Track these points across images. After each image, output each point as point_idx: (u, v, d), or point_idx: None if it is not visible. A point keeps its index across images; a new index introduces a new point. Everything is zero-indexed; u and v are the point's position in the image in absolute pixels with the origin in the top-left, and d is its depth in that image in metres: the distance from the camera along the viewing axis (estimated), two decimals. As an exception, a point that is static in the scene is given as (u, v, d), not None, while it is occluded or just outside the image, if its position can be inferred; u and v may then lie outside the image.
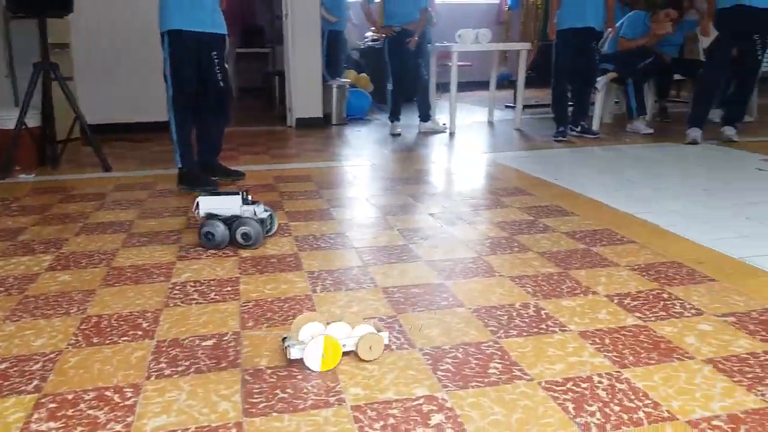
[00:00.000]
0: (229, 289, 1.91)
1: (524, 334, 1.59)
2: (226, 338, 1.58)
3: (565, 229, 2.51)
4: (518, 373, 1.39)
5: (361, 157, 4.27)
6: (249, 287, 1.92)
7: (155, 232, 2.53)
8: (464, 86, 9.48)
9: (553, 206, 2.87)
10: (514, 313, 1.72)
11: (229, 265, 2.13)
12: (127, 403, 1.30)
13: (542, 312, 1.72)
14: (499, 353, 1.49)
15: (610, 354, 1.48)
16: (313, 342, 1.41)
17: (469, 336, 1.58)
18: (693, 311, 1.73)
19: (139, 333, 1.62)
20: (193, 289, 1.92)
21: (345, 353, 1.46)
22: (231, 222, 2.27)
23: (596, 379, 1.37)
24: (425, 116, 5.49)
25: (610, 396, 1.30)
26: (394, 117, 5.37)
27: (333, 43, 6.32)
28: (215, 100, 3.32)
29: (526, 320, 1.67)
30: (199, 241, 2.28)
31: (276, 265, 2.12)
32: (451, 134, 5.31)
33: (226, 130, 3.54)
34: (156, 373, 1.41)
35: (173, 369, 1.43)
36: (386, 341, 1.51)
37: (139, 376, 1.40)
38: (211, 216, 2.29)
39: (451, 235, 2.45)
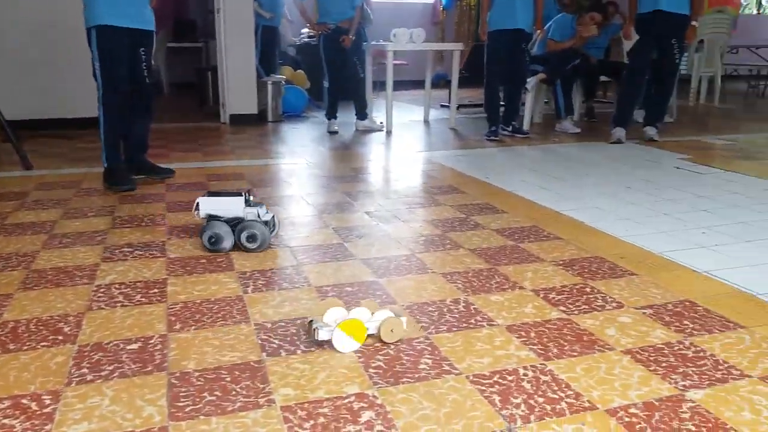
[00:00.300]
0: (156, 290, 1.86)
1: (454, 329, 1.63)
2: (152, 341, 1.54)
3: (495, 226, 2.57)
4: (447, 368, 1.42)
5: (296, 154, 4.23)
6: (177, 289, 1.87)
7: (79, 232, 2.43)
8: (401, 85, 9.57)
9: (485, 204, 2.94)
10: (445, 309, 1.75)
11: (157, 266, 2.07)
12: (45, 410, 1.24)
13: (472, 307, 1.76)
14: (430, 349, 1.51)
15: (535, 347, 1.53)
16: (335, 331, 1.49)
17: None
18: (614, 304, 1.81)
19: (60, 338, 1.55)
20: (119, 291, 1.86)
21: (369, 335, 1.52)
22: (234, 224, 2.19)
23: (522, 371, 1.42)
24: (362, 114, 5.50)
25: (534, 388, 1.35)
26: (331, 115, 5.35)
27: (267, 39, 6.24)
28: (140, 97, 3.22)
29: (456, 316, 1.71)
30: (203, 244, 2.19)
31: (206, 265, 2.07)
32: (388, 132, 5.34)
33: (156, 127, 3.44)
34: (77, 379, 1.36)
35: (96, 374, 1.38)
36: (404, 326, 1.55)
37: (59, 383, 1.34)
38: (212, 218, 2.19)
39: (386, 233, 2.47)
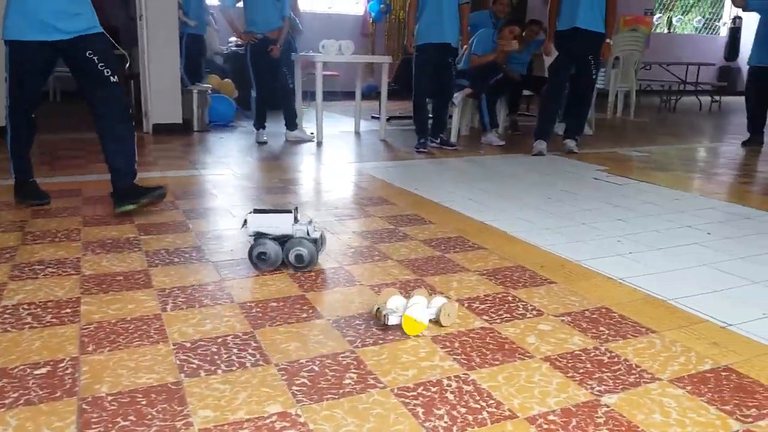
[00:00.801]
0: (68, 310, 1.76)
1: (380, 342, 1.62)
2: (62, 365, 1.46)
3: (422, 237, 2.60)
4: (372, 382, 1.42)
5: (223, 165, 4.14)
6: (91, 308, 1.78)
7: (-17, 249, 2.28)
8: (333, 96, 9.57)
9: (413, 215, 2.96)
10: (372, 322, 1.74)
11: (70, 284, 1.96)
12: (-63, 447, 1.15)
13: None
14: (355, 363, 1.50)
15: (458, 357, 1.55)
16: (409, 310, 1.65)
17: (326, 348, 1.58)
18: (534, 312, 1.86)
19: (-43, 365, 1.44)
20: (27, 312, 1.75)
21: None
22: (283, 241, 2.13)
23: (445, 382, 1.43)
24: (291, 125, 5.45)
25: (457, 398, 1.36)
26: (260, 125, 5.29)
27: (192, 47, 6.09)
28: (107, 101, 2.82)
29: (383, 328, 1.71)
30: (252, 261, 2.12)
31: (122, 283, 1.99)
32: (318, 143, 5.32)
33: (75, 136, 3.26)
34: (-24, 410, 1.26)
35: (-3, 404, 1.29)
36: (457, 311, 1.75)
37: (-45, 415, 1.25)
38: (260, 235, 2.13)
39: (313, 245, 2.45)
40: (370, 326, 1.72)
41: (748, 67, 5.76)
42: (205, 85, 6.07)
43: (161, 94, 5.48)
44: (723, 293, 2.04)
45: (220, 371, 1.45)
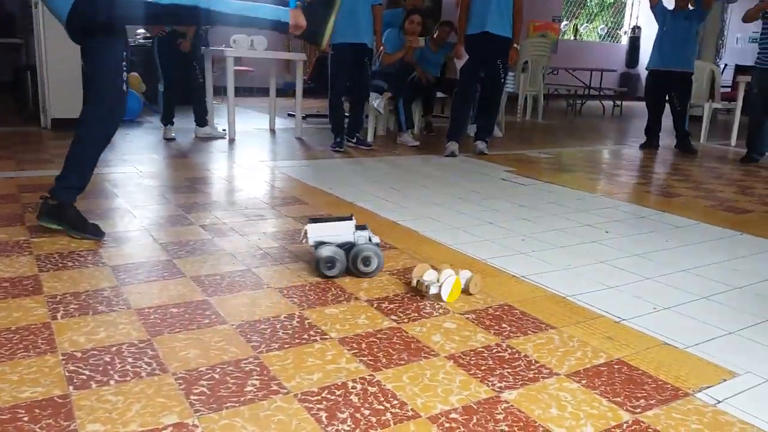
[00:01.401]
0: (-58, 321, 1.61)
1: (286, 346, 1.59)
2: (-69, 382, 1.33)
3: (334, 238, 2.58)
4: (275, 388, 1.39)
5: (127, 163, 3.95)
6: (-31, 318, 1.64)
7: None
8: (248, 92, 9.36)
9: (326, 215, 2.94)
10: (278, 326, 1.71)
11: (-54, 292, 1.80)
12: None
13: (306, 322, 1.74)
14: (258, 369, 1.47)
15: (365, 358, 1.55)
16: (447, 281, 1.91)
17: (228, 354, 1.53)
18: (441, 311, 1.89)
19: None
20: None
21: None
22: (347, 249, 2.12)
23: (350, 384, 1.42)
24: (202, 121, 5.28)
25: (361, 400, 1.36)
26: (167, 120, 5.08)
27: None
28: None
29: (290, 332, 1.67)
30: (318, 270, 2.10)
31: (8, 289, 1.84)
32: (230, 141, 5.18)
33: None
34: None
35: None
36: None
37: None
38: (322, 243, 2.12)
39: (221, 247, 2.37)
40: (276, 330, 1.68)
41: (646, 71, 6.15)
42: (109, 78, 5.75)
43: (60, 87, 5.15)
44: (618, 289, 2.16)
45: (113, 382, 1.37)
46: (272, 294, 1.94)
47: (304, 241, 2.15)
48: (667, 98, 6.03)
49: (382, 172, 4.22)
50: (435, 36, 6.10)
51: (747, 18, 5.45)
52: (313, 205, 3.12)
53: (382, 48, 5.55)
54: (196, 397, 1.33)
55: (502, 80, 5.00)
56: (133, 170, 3.74)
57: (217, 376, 1.42)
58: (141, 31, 7.35)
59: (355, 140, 5.20)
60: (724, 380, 1.54)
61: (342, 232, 2.16)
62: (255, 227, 2.67)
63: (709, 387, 1.51)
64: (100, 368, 1.42)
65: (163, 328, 1.66)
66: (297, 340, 1.63)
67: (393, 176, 4.05)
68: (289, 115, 6.96)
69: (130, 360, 1.47)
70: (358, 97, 5.17)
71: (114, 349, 1.52)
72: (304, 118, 6.46)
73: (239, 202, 3.13)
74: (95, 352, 1.50)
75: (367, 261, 2.11)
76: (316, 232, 2.15)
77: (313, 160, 4.55)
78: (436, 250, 2.49)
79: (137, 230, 2.53)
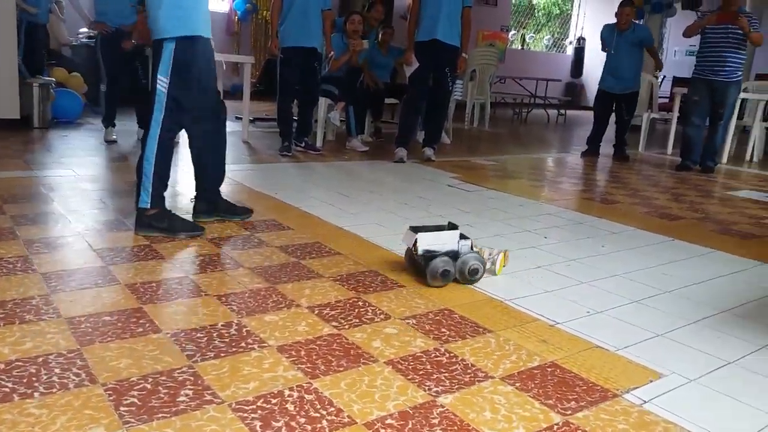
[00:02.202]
0: None
1: (222, 354, 1.57)
2: None
3: (278, 243, 2.56)
4: (209, 398, 1.36)
5: (64, 165, 3.81)
6: None
7: None
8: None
9: (271, 221, 2.91)
10: (215, 334, 1.68)
11: None
12: None
13: (244, 330, 1.72)
14: (192, 378, 1.44)
15: (303, 366, 1.54)
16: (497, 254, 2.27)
17: (162, 363, 1.50)
18: (382, 316, 1.90)
19: None
20: None
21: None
22: (454, 258, 2.19)
23: (287, 393, 1.41)
24: (145, 123, 5.15)
25: (298, 408, 1.35)
26: (109, 122, 4.94)
27: (32, 36, 5.58)
28: None
29: (227, 340, 1.65)
30: (430, 280, 2.16)
31: (-73, 298, 1.75)
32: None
33: None
34: None
35: None
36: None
37: None
38: (430, 252, 2.17)
39: (159, 254, 2.32)
40: (213, 338, 1.66)
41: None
42: (47, 78, 5.57)
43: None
44: (554, 293, 2.21)
45: (37, 394, 1.32)
46: (210, 301, 1.91)
47: (414, 250, 2.21)
48: (614, 109, 6.28)
49: (330, 177, 4.21)
50: (380, 39, 6.14)
51: (688, 33, 5.70)
52: (258, 210, 3.08)
53: (332, 53, 5.55)
54: (125, 409, 1.29)
55: (450, 88, 5.07)
56: (70, 173, 3.62)
57: (149, 387, 1.39)
58: (83, 30, 7.13)
59: (303, 145, 5.18)
60: (651, 381, 1.61)
61: (448, 241, 2.24)
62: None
63: (636, 388, 1.56)
64: (25, 380, 1.37)
65: (95, 337, 1.61)
66: (234, 349, 1.60)
67: (340, 181, 4.05)
68: (237, 118, 6.86)
69: (57, 371, 1.42)
70: (307, 101, 5.15)
71: (40, 359, 1.47)
72: (251, 121, 6.39)
73: (181, 207, 3.07)
74: (20, 363, 1.44)
75: (474, 272, 2.22)
76: (426, 241, 2.20)
77: (260, 164, 4.51)
78: (380, 256, 2.50)
79: (72, 236, 2.45)
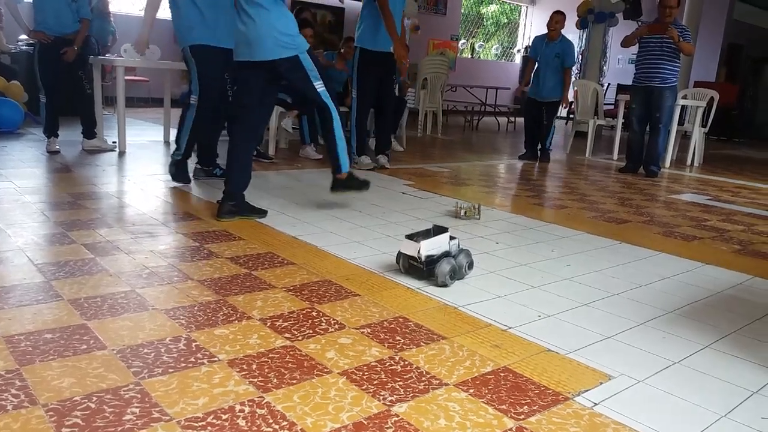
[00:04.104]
0: None
1: (170, 370, 1.52)
2: None
3: (229, 254, 2.51)
4: (157, 415, 1.32)
5: (3, 177, 3.65)
6: None
7: None
8: (143, 102, 8.98)
9: (221, 231, 2.86)
10: (163, 349, 1.63)
11: None
12: None
13: (193, 344, 1.68)
14: (139, 396, 1.39)
15: (255, 379, 1.51)
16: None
17: (107, 381, 1.44)
18: (336, 326, 1.88)
19: None
20: None
21: None
22: (452, 258, 2.35)
23: (238, 408, 1.38)
24: (89, 133, 5.00)
25: (249, 424, 1.32)
26: (51, 132, 4.78)
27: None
28: None
29: (175, 355, 1.60)
30: (441, 282, 2.28)
31: None
32: (121, 154, 4.93)
33: None
34: None
35: None
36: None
37: None
38: (430, 257, 2.30)
39: (104, 268, 2.24)
40: (161, 354, 1.60)
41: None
42: (-17, 85, 5.34)
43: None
44: (506, 298, 2.24)
45: (-30, 420, 1.25)
46: (158, 316, 1.85)
47: (418, 256, 2.29)
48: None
49: (282, 186, 4.17)
50: (342, 52, 6.14)
51: (625, 43, 5.93)
52: (207, 221, 3.02)
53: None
54: (68, 430, 1.24)
55: (394, 94, 5.13)
56: (10, 186, 3.46)
57: (93, 406, 1.33)
58: (23, 36, 6.88)
59: (255, 153, 5.10)
60: (601, 383, 1.64)
61: (443, 243, 2.37)
62: (142, 245, 2.55)
63: (587, 390, 1.59)
64: (-43, 405, 1.30)
65: (35, 356, 1.54)
66: (183, 364, 1.56)
67: (293, 190, 4.01)
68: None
69: (-8, 394, 1.35)
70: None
71: (-26, 382, 1.39)
72: (202, 130, 6.26)
73: (126, 218, 2.98)
74: (-49, 388, 1.36)
75: (470, 265, 2.43)
76: (428, 247, 2.31)
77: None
78: (334, 265, 2.48)
79: (11, 251, 2.34)
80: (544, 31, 6.53)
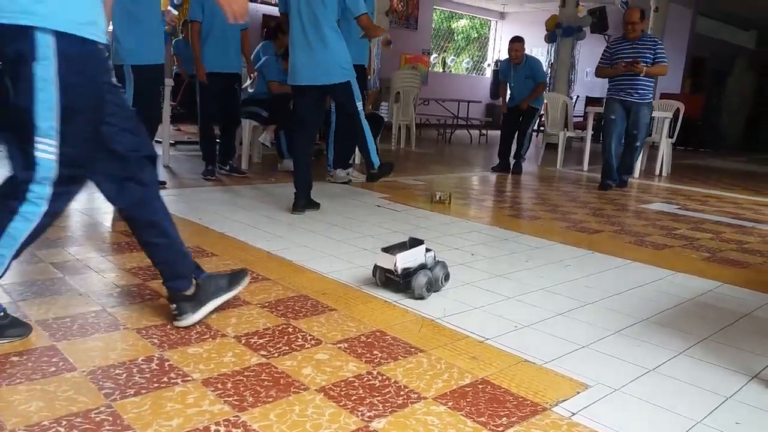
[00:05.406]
0: None
1: (143, 391, 1.48)
2: None
3: (202, 271, 2.47)
4: (129, 438, 1.28)
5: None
6: None
7: None
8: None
9: (194, 247, 2.81)
10: (135, 370, 1.59)
11: None
12: None
13: (166, 364, 1.64)
14: (111, 418, 1.35)
15: (230, 398, 1.48)
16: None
17: (77, 404, 1.40)
18: (313, 342, 1.86)
19: None
20: None
21: None
22: (428, 270, 2.33)
23: (213, 428, 1.35)
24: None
25: (225, 444, 1.29)
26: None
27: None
28: None
29: (148, 375, 1.57)
30: (417, 295, 2.26)
31: None
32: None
33: None
34: None
35: None
36: None
37: None
38: (407, 269, 2.28)
39: (73, 287, 2.19)
40: (133, 374, 1.57)
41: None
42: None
43: None
44: (482, 309, 2.24)
45: (-68, 449, 1.20)
46: (129, 335, 1.81)
47: (394, 268, 2.28)
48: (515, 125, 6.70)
49: (257, 200, 4.13)
50: None
51: (599, 75, 5.90)
52: (181, 236, 2.97)
53: (255, 75, 5.49)
54: (35, 457, 1.20)
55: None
56: (-28, 204, 3.37)
57: (62, 430, 1.29)
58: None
59: (228, 168, 5.07)
60: (578, 392, 1.65)
61: (419, 256, 2.35)
62: (113, 263, 2.50)
63: (565, 400, 1.60)
64: None
65: (1, 380, 1.49)
66: (155, 384, 1.52)
67: (267, 204, 3.98)
68: (156, 141, 6.65)
69: (-45, 421, 1.30)
70: (230, 123, 5.06)
71: (-64, 409, 1.34)
72: (173, 144, 6.22)
73: (97, 236, 2.92)
74: None
75: (447, 277, 2.42)
76: (404, 259, 2.29)
77: (183, 188, 4.38)
78: (310, 279, 2.46)
79: (-26, 271, 2.27)
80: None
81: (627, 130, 5.81)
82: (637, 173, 6.89)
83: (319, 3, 3.55)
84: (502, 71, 6.84)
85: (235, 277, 2.09)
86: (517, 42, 6.47)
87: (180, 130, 8.32)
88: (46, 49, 1.51)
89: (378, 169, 3.92)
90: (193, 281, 1.92)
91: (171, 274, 1.88)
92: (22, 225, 1.62)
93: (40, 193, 1.60)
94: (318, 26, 3.58)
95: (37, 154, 1.56)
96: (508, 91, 6.76)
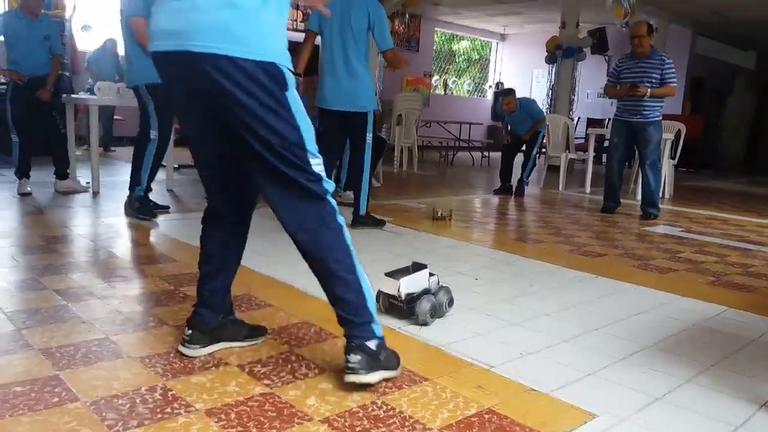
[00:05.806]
0: None
1: (146, 422, 1.47)
2: None
3: (206, 297, 2.46)
4: (132, 472, 1.27)
5: (-29, 222, 3.57)
6: None
7: None
8: (122, 142, 8.90)
9: (196, 274, 2.80)
10: (138, 400, 1.58)
11: None
12: None
13: (170, 393, 1.63)
14: (114, 452, 1.34)
15: (234, 429, 1.47)
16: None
17: (79, 436, 1.39)
18: (317, 370, 1.85)
19: None
20: None
21: None
22: (432, 295, 2.32)
23: (217, 461, 1.33)
24: (62, 174, 4.93)
25: (229, 478, 1.28)
26: (22, 173, 4.70)
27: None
28: None
29: (151, 406, 1.56)
30: (421, 321, 2.25)
31: None
32: (95, 194, 4.87)
33: None
34: None
35: None
36: None
37: None
38: (410, 295, 2.27)
39: (76, 314, 2.18)
40: (136, 405, 1.56)
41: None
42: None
43: None
44: (487, 336, 2.23)
45: (-67, 484, 1.19)
46: (133, 364, 1.80)
47: (398, 294, 2.27)
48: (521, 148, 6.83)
49: (260, 224, 4.11)
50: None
51: (607, 94, 5.90)
52: (183, 262, 2.98)
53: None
54: (37, 492, 1.18)
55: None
56: (-23, 229, 3.39)
57: (64, 465, 1.28)
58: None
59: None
60: (585, 422, 1.63)
61: (422, 281, 2.34)
62: (116, 290, 2.50)
63: (572, 430, 1.58)
64: None
65: (4, 410, 1.48)
66: (159, 415, 1.51)
67: (270, 228, 3.96)
68: (162, 165, 6.68)
69: (-43, 454, 1.29)
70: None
71: (-62, 442, 1.33)
72: (176, 168, 6.24)
73: (100, 262, 2.92)
74: None
75: (451, 302, 2.41)
76: (407, 284, 2.29)
77: (186, 213, 4.38)
78: (313, 306, 2.45)
79: (-22, 299, 2.27)
80: (515, 66, 6.72)
81: (637, 152, 5.71)
82: (638, 195, 6.87)
83: (351, 39, 3.78)
84: (499, 112, 7.02)
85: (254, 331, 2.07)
86: (507, 96, 6.63)
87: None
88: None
89: (366, 217, 4.04)
90: None
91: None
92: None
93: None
94: (348, 59, 3.80)
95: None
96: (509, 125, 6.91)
